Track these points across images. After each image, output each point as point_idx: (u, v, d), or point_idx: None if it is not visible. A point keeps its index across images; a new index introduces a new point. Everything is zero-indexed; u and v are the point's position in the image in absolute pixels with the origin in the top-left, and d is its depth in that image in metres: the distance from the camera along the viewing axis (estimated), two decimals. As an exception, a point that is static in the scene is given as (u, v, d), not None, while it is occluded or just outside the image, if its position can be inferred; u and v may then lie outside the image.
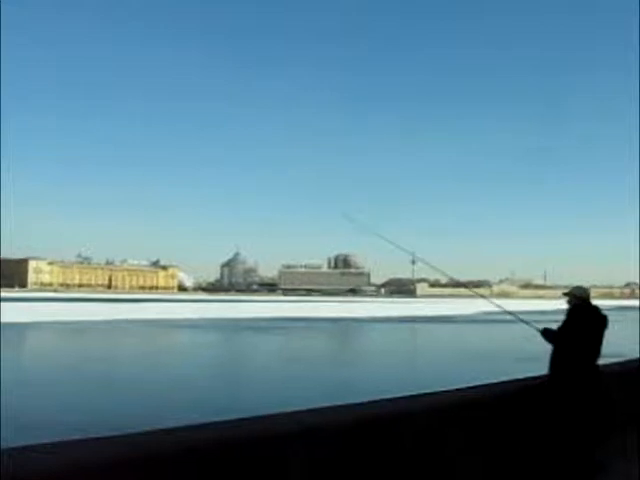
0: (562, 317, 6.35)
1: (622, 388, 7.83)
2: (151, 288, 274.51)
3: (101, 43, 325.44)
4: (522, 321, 6.90)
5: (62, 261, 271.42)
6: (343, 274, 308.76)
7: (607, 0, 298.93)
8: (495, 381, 6.55)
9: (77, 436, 3.21)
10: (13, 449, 2.88)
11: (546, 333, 6.36)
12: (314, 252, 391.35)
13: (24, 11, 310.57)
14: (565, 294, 6.53)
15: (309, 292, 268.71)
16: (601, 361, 6.42)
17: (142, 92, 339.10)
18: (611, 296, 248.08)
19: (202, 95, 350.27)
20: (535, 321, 6.68)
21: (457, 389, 5.91)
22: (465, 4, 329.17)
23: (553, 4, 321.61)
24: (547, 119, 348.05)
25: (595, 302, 6.46)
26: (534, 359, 7.67)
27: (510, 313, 7.30)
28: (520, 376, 6.79)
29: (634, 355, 10.36)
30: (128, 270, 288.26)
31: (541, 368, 6.45)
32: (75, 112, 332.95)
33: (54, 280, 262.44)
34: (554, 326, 6.41)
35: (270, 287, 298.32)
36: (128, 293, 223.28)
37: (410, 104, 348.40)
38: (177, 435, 3.54)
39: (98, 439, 3.23)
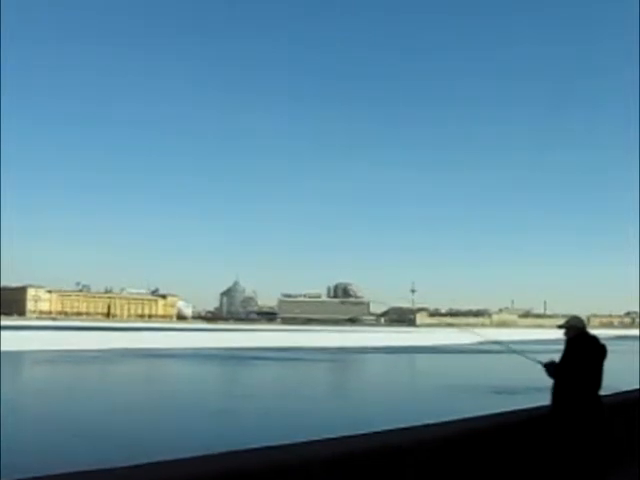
0: (562, 346, 6.31)
1: (624, 418, 7.76)
2: (150, 317, 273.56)
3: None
4: (520, 353, 6.83)
5: (61, 289, 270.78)
6: (342, 303, 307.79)
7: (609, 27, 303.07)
8: (497, 411, 6.48)
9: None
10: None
11: (548, 367, 6.32)
12: (313, 281, 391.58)
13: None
14: (560, 326, 6.48)
15: (308, 321, 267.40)
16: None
17: (143, 119, 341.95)
18: (611, 325, 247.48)
19: (200, 126, 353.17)
20: (534, 351, 6.62)
21: (461, 419, 5.86)
22: (463, 34, 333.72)
23: (556, 34, 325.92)
24: (546, 147, 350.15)
25: (594, 331, 6.42)
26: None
27: (497, 342, 7.25)
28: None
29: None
30: (127, 299, 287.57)
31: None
32: (76, 139, 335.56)
33: (53, 308, 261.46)
34: (555, 357, 6.35)
35: (269, 316, 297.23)
36: (127, 322, 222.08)
37: (410, 129, 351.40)
38: (176, 467, 3.48)
39: (90, 472, 3.16)
